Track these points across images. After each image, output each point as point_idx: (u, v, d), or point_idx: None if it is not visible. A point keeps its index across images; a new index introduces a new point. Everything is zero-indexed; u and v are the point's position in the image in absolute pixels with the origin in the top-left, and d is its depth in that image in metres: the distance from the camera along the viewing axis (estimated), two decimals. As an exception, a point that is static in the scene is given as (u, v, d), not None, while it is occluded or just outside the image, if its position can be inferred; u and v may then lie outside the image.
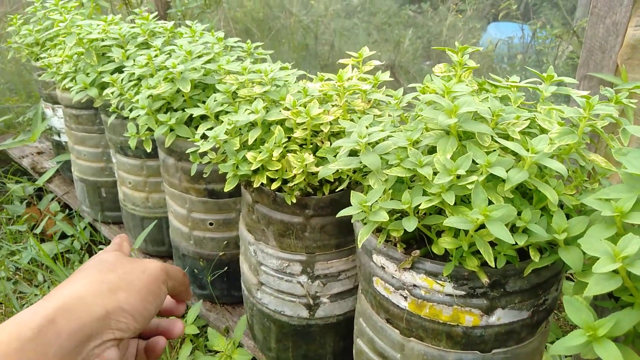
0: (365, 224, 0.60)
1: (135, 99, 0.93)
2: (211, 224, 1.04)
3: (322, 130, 0.72)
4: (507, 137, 0.56)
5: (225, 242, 1.05)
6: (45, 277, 1.51)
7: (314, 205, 0.77)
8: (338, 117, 0.73)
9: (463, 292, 0.58)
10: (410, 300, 0.63)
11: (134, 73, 0.99)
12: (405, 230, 0.57)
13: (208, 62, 0.94)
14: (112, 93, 1.03)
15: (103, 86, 1.14)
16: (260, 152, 0.73)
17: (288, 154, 0.71)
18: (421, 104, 0.62)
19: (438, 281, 0.59)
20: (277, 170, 0.73)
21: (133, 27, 1.17)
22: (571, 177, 0.57)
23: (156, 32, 1.14)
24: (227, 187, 0.76)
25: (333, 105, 0.78)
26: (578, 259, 0.48)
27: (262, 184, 0.75)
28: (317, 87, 0.75)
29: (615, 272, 0.44)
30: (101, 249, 1.56)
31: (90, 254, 1.60)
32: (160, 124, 0.88)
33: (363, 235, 0.58)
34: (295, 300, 0.87)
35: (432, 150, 0.59)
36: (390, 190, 0.58)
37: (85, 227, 1.57)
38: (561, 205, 0.57)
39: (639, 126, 0.53)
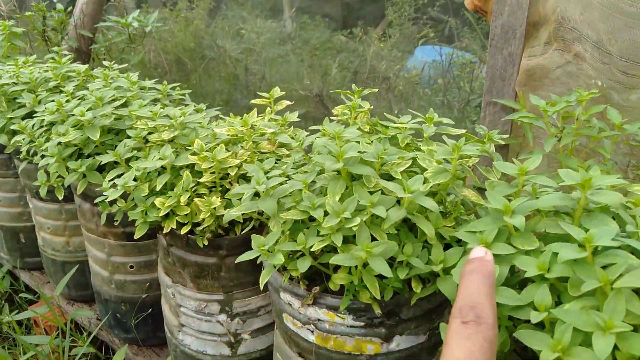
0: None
1: (45, 146, 0.92)
2: (132, 266, 1.03)
3: (229, 174, 0.75)
4: (391, 178, 0.61)
5: (148, 283, 1.05)
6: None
7: (227, 246, 0.79)
8: (245, 160, 0.76)
9: (362, 323, 0.62)
10: (316, 334, 0.66)
11: (44, 119, 0.98)
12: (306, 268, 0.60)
13: (120, 107, 0.94)
14: (22, 139, 1.01)
15: (15, 132, 1.12)
16: (169, 197, 0.74)
17: (196, 199, 0.73)
18: (316, 148, 0.66)
19: (338, 315, 0.62)
20: (186, 215, 0.74)
21: (46, 71, 1.15)
22: (451, 210, 0.62)
23: (69, 75, 1.13)
24: (138, 234, 0.77)
25: (242, 148, 0.81)
26: (452, 288, 0.53)
27: (173, 228, 0.76)
28: (222, 131, 0.78)
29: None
30: (22, 297, 1.49)
31: (11, 303, 1.53)
32: (71, 171, 0.88)
33: (264, 277, 0.61)
34: (217, 339, 0.87)
35: (326, 192, 0.63)
36: (288, 232, 0.61)
37: (3, 277, 1.49)
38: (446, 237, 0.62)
39: (506, 163, 0.59)
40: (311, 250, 0.57)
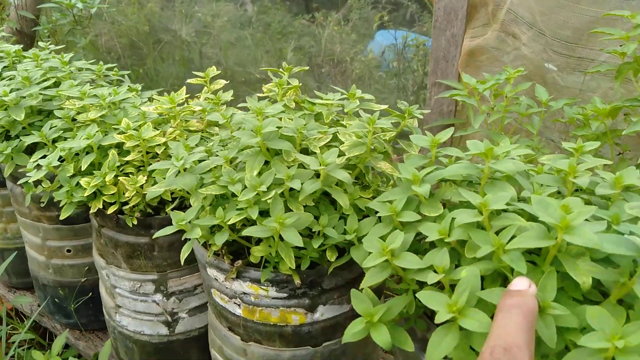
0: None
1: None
2: (69, 250, 1.01)
3: (157, 153, 0.74)
4: (312, 153, 0.62)
5: (87, 267, 1.03)
6: None
7: (157, 225, 0.79)
8: (174, 138, 0.75)
9: (285, 295, 0.63)
10: (243, 307, 0.67)
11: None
12: (231, 243, 0.61)
13: (50, 87, 0.92)
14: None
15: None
16: (95, 177, 0.73)
17: (122, 177, 0.72)
18: (236, 124, 0.66)
19: (262, 287, 0.63)
20: (113, 194, 0.74)
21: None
22: (370, 183, 0.64)
23: (0, 57, 1.09)
24: (63, 215, 0.75)
25: (171, 127, 0.80)
26: (363, 255, 0.54)
27: (100, 208, 0.75)
28: (150, 110, 0.77)
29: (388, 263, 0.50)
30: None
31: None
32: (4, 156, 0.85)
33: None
34: (154, 319, 0.87)
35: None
36: (210, 207, 0.61)
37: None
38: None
39: (421, 136, 0.61)
40: (231, 224, 0.58)
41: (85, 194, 0.72)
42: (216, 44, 3.18)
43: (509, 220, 0.46)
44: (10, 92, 0.83)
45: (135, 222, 0.76)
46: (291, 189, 0.58)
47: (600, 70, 0.77)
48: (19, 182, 0.78)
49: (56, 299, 1.07)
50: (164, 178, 0.69)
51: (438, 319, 0.41)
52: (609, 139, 0.72)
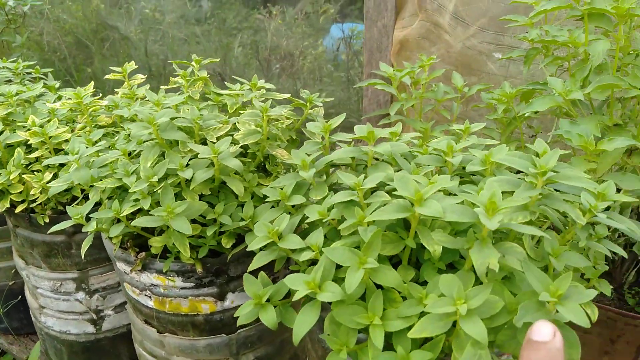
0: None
1: None
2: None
3: (63, 149, 0.74)
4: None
5: (13, 270, 1.01)
6: None
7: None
8: (82, 135, 0.75)
9: (192, 284, 0.64)
10: (154, 299, 0.67)
11: None
12: (137, 236, 0.61)
13: (-41, 86, 0.90)
14: None
15: None
16: (0, 175, 0.72)
17: (27, 175, 0.72)
18: (131, 115, 0.66)
19: (168, 278, 0.64)
20: (21, 192, 0.73)
21: None
22: (272, 171, 0.65)
23: None
24: (-30, 216, 0.74)
25: (79, 123, 0.80)
26: (258, 241, 0.56)
27: (8, 207, 0.74)
28: (56, 106, 0.76)
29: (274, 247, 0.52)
30: None
31: None
32: None
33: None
34: (79, 318, 0.87)
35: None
36: (108, 200, 0.61)
37: None
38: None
39: (315, 123, 0.62)
40: (129, 216, 0.58)
41: (-10, 194, 0.71)
42: (163, 41, 3.13)
43: (377, 197, 0.48)
44: None
45: (47, 220, 0.75)
46: (187, 180, 0.59)
47: (512, 56, 0.80)
48: None
49: None
50: (69, 174, 0.69)
51: (297, 297, 0.42)
52: (519, 121, 0.75)
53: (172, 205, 0.54)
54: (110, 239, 0.66)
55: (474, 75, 1.22)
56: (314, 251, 0.48)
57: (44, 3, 2.05)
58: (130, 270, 0.64)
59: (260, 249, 0.53)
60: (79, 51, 3.18)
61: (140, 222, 0.54)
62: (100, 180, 0.60)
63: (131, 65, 0.93)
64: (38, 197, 0.72)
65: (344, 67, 2.77)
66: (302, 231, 0.55)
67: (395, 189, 0.50)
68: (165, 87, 0.76)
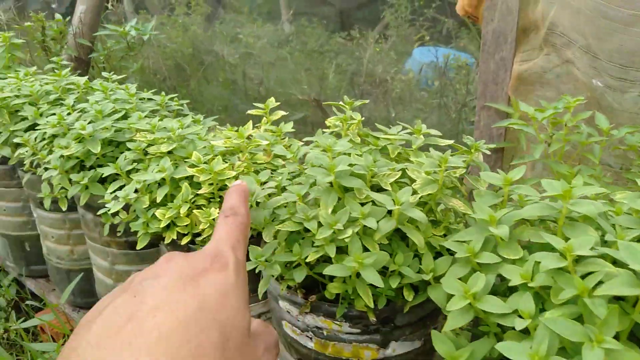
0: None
1: (48, 158, 0.94)
2: (135, 274, 1.05)
3: (227, 185, 0.77)
4: (381, 189, 0.63)
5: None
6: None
7: (226, 254, 0.81)
8: (242, 172, 0.78)
9: (358, 330, 0.64)
10: (315, 341, 0.68)
11: (46, 132, 1.00)
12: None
13: (120, 119, 0.97)
14: (25, 152, 1.03)
15: (18, 144, 1.14)
16: (169, 209, 0.76)
17: (195, 210, 0.75)
18: (309, 160, 0.68)
19: (335, 322, 0.64)
20: (186, 225, 0.77)
21: (47, 84, 1.18)
22: (441, 220, 0.65)
23: (69, 88, 1.15)
24: (140, 245, 0.79)
25: (239, 159, 0.83)
26: (442, 296, 0.55)
27: (174, 238, 0.78)
28: (219, 143, 0.80)
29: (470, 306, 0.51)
30: (28, 305, 1.52)
31: (18, 310, 1.55)
32: (74, 184, 0.90)
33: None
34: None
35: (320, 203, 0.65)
36: (284, 243, 0.63)
37: (9, 284, 1.52)
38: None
39: (492, 173, 0.61)
40: (306, 260, 0.60)
41: (161, 225, 0.75)
42: (257, 64, 3.25)
43: (595, 266, 0.46)
44: (89, 124, 0.88)
45: (205, 253, 0.78)
46: (365, 227, 0.59)
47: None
48: (98, 213, 0.82)
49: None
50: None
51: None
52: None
53: (361, 255, 0.54)
54: (276, 278, 0.68)
55: (604, 112, 1.16)
56: (523, 318, 0.46)
57: (155, 32, 2.19)
58: (300, 312, 0.65)
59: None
60: (177, 74, 3.37)
61: (332, 271, 0.55)
62: (280, 222, 0.62)
63: (272, 101, 0.96)
64: (203, 231, 0.75)
65: (435, 92, 2.73)
66: (492, 292, 0.53)
67: (603, 255, 0.47)
68: (325, 130, 0.78)
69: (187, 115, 1.14)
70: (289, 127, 0.91)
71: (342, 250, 0.60)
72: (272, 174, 0.77)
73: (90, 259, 1.28)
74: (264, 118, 1.00)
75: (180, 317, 0.29)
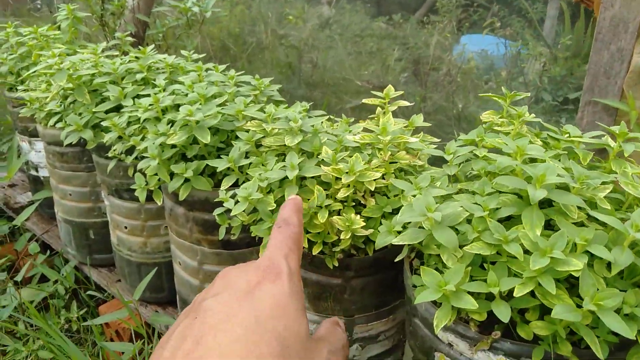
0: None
1: (143, 146, 0.84)
2: (225, 276, 0.96)
3: (366, 188, 0.66)
4: (592, 206, 0.51)
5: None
6: (28, 327, 1.39)
7: (355, 266, 0.71)
8: (385, 173, 0.67)
9: (549, 376, 0.53)
10: (482, 381, 0.57)
11: (136, 116, 0.91)
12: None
13: (222, 104, 0.86)
14: (111, 137, 0.93)
15: (96, 126, 1.05)
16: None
17: (335, 217, 0.65)
18: (502, 168, 0.56)
19: (519, 363, 0.53)
20: (318, 233, 0.66)
21: (129, 62, 1.08)
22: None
23: (156, 67, 1.05)
24: (263, 251, 0.69)
25: (370, 156, 0.72)
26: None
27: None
28: (355, 138, 0.69)
29: None
30: (89, 295, 1.44)
31: (77, 298, 1.48)
32: (176, 176, 0.80)
33: (440, 321, 0.52)
34: (330, 364, 0.80)
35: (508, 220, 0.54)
36: (469, 268, 0.52)
37: (70, 272, 1.45)
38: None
39: None
40: (503, 292, 0.49)
41: (292, 233, 0.65)
42: (307, 47, 3.12)
43: None
44: (196, 111, 0.77)
45: (336, 264, 0.68)
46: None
47: None
48: (215, 213, 0.72)
49: (206, 325, 1.02)
50: (382, 217, 0.61)
51: None
52: None
53: (600, 295, 0.43)
54: (434, 302, 0.57)
55: None
56: None
57: (218, 9, 2.08)
58: (474, 348, 0.54)
59: None
60: (223, 53, 3.26)
61: (559, 313, 0.43)
62: (469, 243, 0.50)
63: (391, 90, 0.85)
64: (340, 242, 0.65)
65: (503, 82, 2.57)
66: None
67: None
68: (486, 119, 0.66)
69: (282, 101, 1.03)
70: (419, 119, 0.80)
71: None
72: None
73: (163, 253, 1.19)
74: (378, 109, 0.88)
75: (239, 332, 0.30)
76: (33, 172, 1.60)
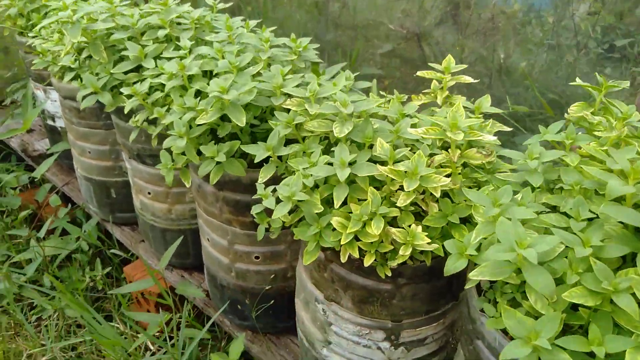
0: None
1: (168, 120, 0.75)
2: (257, 257, 0.90)
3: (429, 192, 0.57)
4: None
5: (272, 275, 0.92)
6: (53, 283, 1.37)
7: (409, 274, 0.63)
8: (457, 179, 0.58)
9: None
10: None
11: (159, 82, 0.81)
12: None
13: (257, 75, 0.76)
14: (131, 104, 0.84)
15: (114, 87, 0.95)
16: (350, 218, 0.57)
17: (394, 229, 0.56)
18: (574, 177, 0.46)
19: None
20: (371, 243, 0.58)
21: (149, 14, 0.96)
22: None
23: (178, 21, 0.93)
24: (307, 259, 0.61)
25: (430, 147, 0.62)
26: None
27: (351, 254, 0.60)
28: (418, 133, 0.59)
29: None
30: (114, 254, 1.41)
31: (100, 256, 1.45)
32: (206, 159, 0.72)
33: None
34: (371, 365, 0.75)
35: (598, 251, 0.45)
36: (564, 315, 0.44)
37: (92, 229, 1.41)
38: None
39: None
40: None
41: (343, 241, 0.57)
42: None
43: None
44: (230, 88, 0.67)
45: (389, 273, 0.60)
46: None
47: None
48: (254, 211, 0.64)
49: (236, 303, 0.97)
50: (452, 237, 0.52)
51: None
52: None
53: None
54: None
55: None
56: None
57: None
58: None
59: None
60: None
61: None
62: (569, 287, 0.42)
63: (450, 61, 0.74)
64: (398, 257, 0.57)
65: (547, 31, 2.35)
66: None
67: None
68: (572, 116, 0.55)
69: (318, 63, 0.91)
70: (487, 102, 0.69)
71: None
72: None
73: (189, 220, 1.13)
74: (434, 82, 0.78)
75: None
76: (50, 122, 1.52)
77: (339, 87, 0.67)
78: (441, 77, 0.74)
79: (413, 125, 0.64)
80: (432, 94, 0.78)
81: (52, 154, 1.64)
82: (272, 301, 0.95)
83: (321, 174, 0.59)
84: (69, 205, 1.53)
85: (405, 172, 0.55)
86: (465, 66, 0.75)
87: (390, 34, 2.34)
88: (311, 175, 0.60)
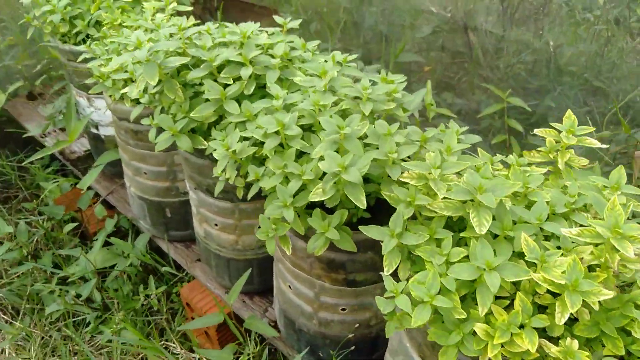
0: None
1: (269, 185, 0.70)
2: (344, 309, 0.87)
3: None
4: None
5: (357, 324, 0.89)
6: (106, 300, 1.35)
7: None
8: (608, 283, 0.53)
9: None
10: None
11: (254, 138, 0.75)
12: None
13: (362, 137, 0.70)
14: (219, 158, 0.79)
15: (194, 129, 0.89)
16: (497, 328, 0.54)
17: (546, 341, 0.52)
18: None
19: None
20: (517, 352, 0.55)
21: (225, 45, 0.89)
22: None
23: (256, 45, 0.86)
24: (444, 364, 0.58)
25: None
26: None
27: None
28: (572, 234, 0.54)
29: None
30: (167, 272, 1.38)
31: (148, 271, 1.43)
32: (315, 235, 0.67)
33: None
34: None
35: None
36: None
37: (142, 247, 1.37)
38: None
39: None
40: None
41: (490, 353, 0.53)
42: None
43: None
44: (348, 166, 0.62)
45: (527, 376, 0.57)
46: None
47: None
48: (383, 312, 0.60)
49: (314, 346, 0.95)
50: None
51: None
52: None
53: None
54: None
55: None
56: None
57: None
58: None
59: None
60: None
61: None
62: None
63: (572, 119, 0.68)
64: (551, 369, 0.53)
65: (596, 17, 2.24)
66: None
67: None
68: None
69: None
70: (623, 179, 0.64)
71: None
72: None
73: (255, 250, 1.09)
74: (549, 140, 0.73)
75: None
76: (93, 130, 1.46)
77: (468, 164, 0.62)
78: (559, 137, 0.69)
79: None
80: (548, 153, 0.73)
81: (90, 155, 1.60)
82: (353, 347, 0.93)
83: (464, 276, 0.55)
84: (114, 215, 1.50)
85: (564, 283, 0.51)
86: (593, 129, 0.69)
87: (429, 19, 2.23)
88: (449, 275, 0.55)
